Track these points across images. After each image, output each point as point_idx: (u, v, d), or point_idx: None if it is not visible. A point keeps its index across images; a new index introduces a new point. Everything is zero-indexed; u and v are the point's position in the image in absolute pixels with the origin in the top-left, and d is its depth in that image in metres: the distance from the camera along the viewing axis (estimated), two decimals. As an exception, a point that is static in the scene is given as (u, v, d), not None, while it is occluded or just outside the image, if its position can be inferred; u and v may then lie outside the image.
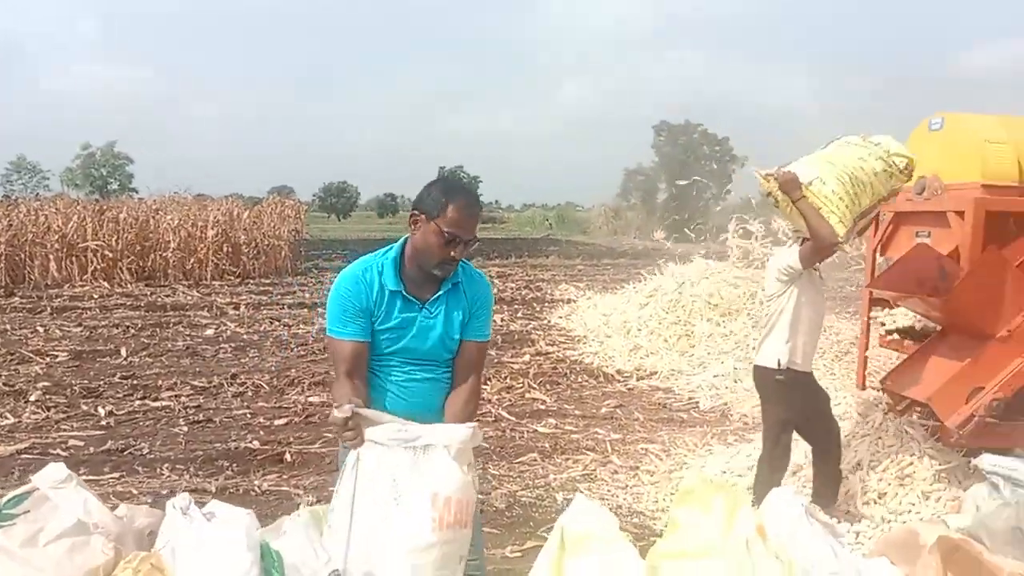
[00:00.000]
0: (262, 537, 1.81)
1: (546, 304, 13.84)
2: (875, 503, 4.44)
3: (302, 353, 9.54)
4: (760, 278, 10.13)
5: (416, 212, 2.45)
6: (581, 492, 4.91)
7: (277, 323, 11.85)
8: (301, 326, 11.63)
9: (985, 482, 3.29)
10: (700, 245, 21.11)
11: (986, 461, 3.27)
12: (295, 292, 16.28)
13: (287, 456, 5.59)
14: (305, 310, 13.37)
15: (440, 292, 2.52)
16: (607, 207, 47.41)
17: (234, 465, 5.37)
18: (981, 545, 2.48)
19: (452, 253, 2.41)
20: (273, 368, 8.53)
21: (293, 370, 8.34)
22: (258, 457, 5.56)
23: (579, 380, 8.04)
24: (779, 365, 4.00)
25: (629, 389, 7.71)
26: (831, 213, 3.85)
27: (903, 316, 5.38)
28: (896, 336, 5.43)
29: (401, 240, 2.57)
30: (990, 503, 3.01)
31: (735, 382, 7.62)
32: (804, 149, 4.32)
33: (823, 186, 3.90)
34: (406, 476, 1.98)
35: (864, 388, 5.80)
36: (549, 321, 11.83)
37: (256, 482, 5.06)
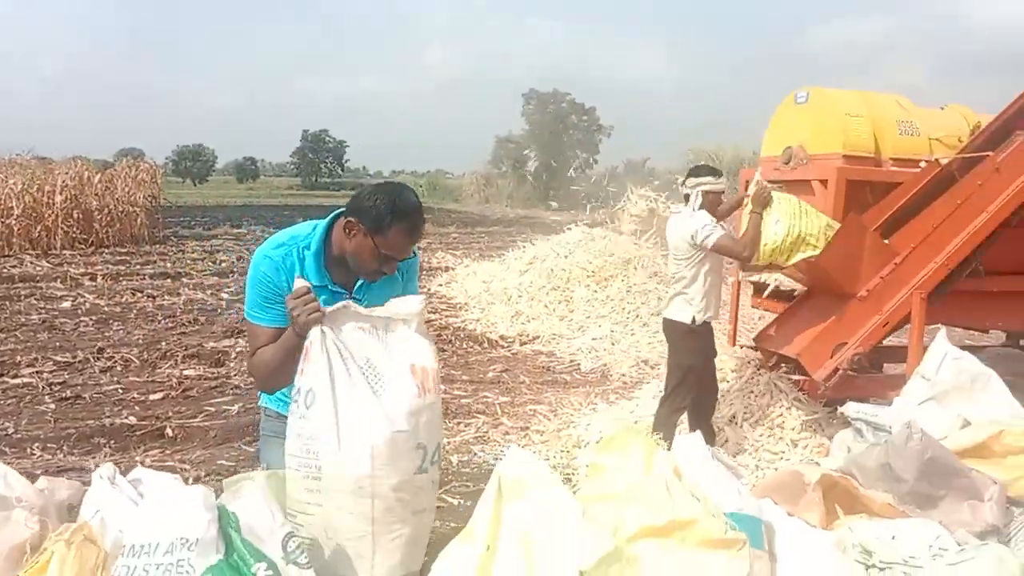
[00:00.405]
0: (221, 499, 1.79)
1: (424, 272, 13.83)
2: (749, 452, 4.79)
3: (170, 325, 9.16)
4: (634, 244, 10.56)
5: (353, 220, 2.21)
6: (477, 452, 5.06)
7: (140, 294, 11.28)
8: (167, 297, 11.15)
9: (850, 428, 3.64)
10: (570, 213, 21.65)
11: (850, 409, 3.60)
12: (155, 261, 15.51)
13: (168, 431, 5.40)
14: (169, 280, 12.80)
15: (369, 286, 2.36)
16: (478, 175, 47.48)
17: (112, 442, 5.14)
18: (856, 481, 2.74)
19: (384, 269, 2.26)
20: (141, 341, 8.15)
21: (163, 343, 8.01)
22: (137, 433, 5.34)
23: (464, 346, 8.15)
24: (693, 322, 4.50)
25: (513, 354, 7.88)
26: (765, 243, 4.48)
27: (772, 278, 5.78)
28: (766, 296, 5.85)
29: (324, 225, 2.32)
30: (858, 445, 3.34)
31: (612, 344, 7.95)
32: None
33: (776, 224, 4.50)
34: (379, 353, 2.00)
35: (735, 345, 6.20)
36: (429, 289, 11.85)
37: (138, 459, 4.87)
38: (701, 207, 4.50)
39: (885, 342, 5.00)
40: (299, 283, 2.07)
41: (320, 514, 1.98)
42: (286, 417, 2.33)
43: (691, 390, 4.60)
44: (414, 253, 2.48)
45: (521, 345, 8.22)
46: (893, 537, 2.34)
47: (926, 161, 5.39)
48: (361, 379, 1.97)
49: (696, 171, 4.67)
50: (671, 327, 4.66)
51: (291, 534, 1.83)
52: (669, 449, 2.23)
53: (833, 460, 3.30)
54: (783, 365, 5.31)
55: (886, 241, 4.81)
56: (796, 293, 5.58)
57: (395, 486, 1.96)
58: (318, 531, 1.99)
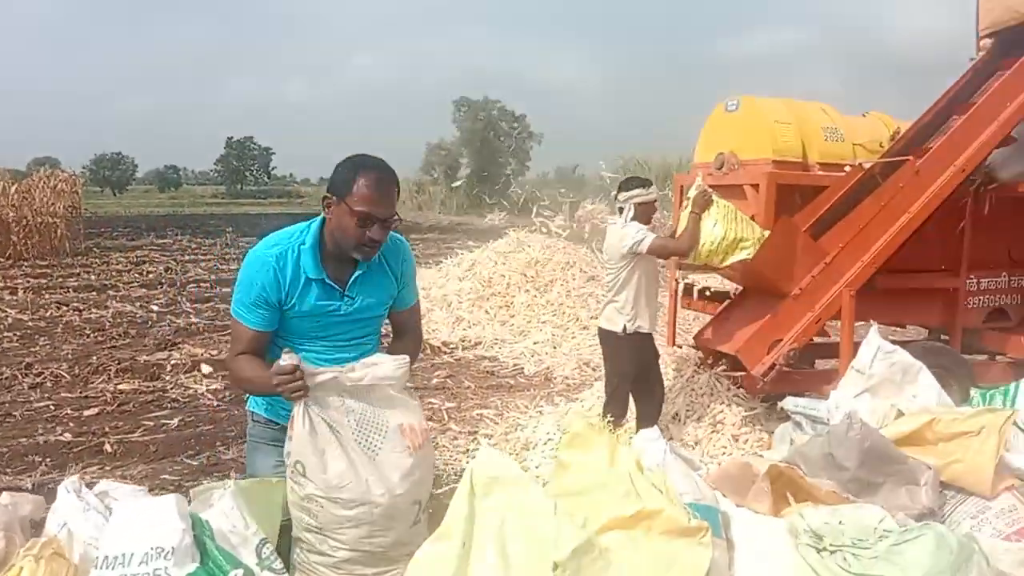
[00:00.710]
0: (191, 508, 1.78)
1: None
2: (692, 449, 4.92)
3: (100, 339, 8.86)
4: (571, 249, 10.71)
5: (328, 195, 2.26)
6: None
7: (65, 308, 10.87)
8: (94, 310, 10.78)
9: (789, 422, 3.80)
10: (503, 219, 21.77)
11: (789, 403, 3.77)
12: (79, 274, 14.97)
13: (107, 447, 5.24)
14: (95, 293, 12.38)
15: (358, 272, 2.36)
16: (410, 181, 47.19)
17: (48, 460, 4.95)
18: (800, 471, 2.87)
19: (369, 235, 2.23)
20: (70, 356, 7.87)
21: (94, 357, 7.74)
22: (74, 450, 5.17)
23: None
24: (624, 331, 4.56)
25: (457, 360, 7.90)
26: (703, 244, 4.66)
27: (707, 279, 5.97)
28: (699, 297, 6.03)
29: (318, 220, 2.34)
30: (800, 438, 3.48)
31: (554, 348, 8.05)
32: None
33: (714, 227, 4.69)
34: (368, 418, 2.07)
35: (674, 345, 6.36)
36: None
37: (76, 475, 4.70)
38: (634, 218, 4.59)
39: (816, 339, 5.22)
40: (287, 358, 2.08)
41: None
42: (275, 423, 2.38)
43: (626, 398, 4.70)
44: (405, 255, 2.50)
45: (464, 351, 8.25)
46: (840, 522, 2.47)
47: (851, 165, 5.65)
48: (355, 446, 2.05)
49: (627, 184, 4.76)
50: (604, 336, 4.74)
51: (264, 540, 1.85)
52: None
53: (776, 453, 3.43)
54: (722, 363, 5.49)
55: (816, 241, 5.02)
56: (732, 293, 5.78)
57: (392, 543, 2.07)
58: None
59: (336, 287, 2.33)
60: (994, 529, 2.65)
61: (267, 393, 2.22)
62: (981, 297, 5.52)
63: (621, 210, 4.68)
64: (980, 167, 4.97)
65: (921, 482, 2.77)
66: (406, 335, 2.60)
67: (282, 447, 2.28)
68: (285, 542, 2.13)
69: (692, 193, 4.73)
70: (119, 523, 1.74)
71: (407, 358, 2.20)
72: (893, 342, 3.67)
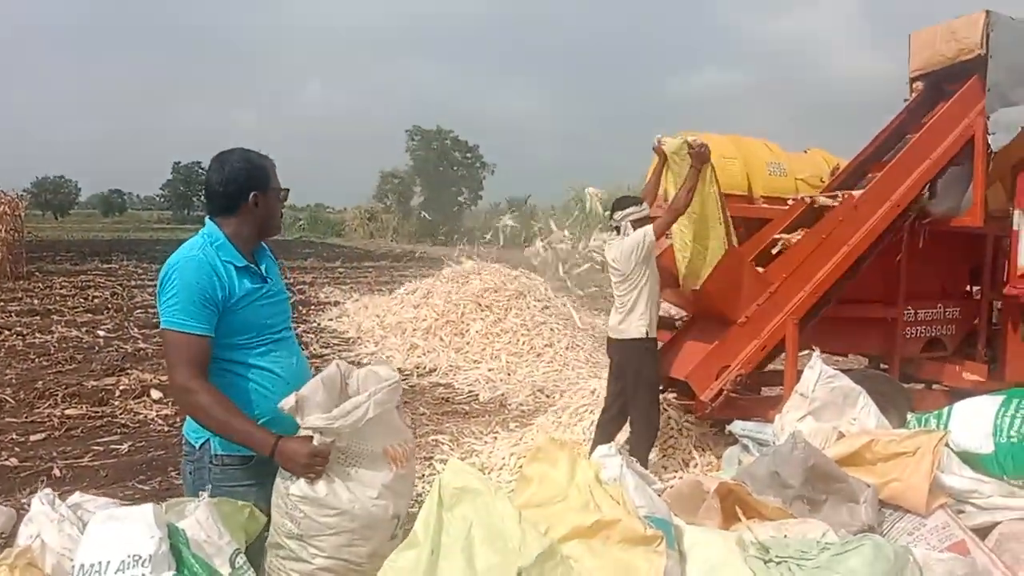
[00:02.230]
0: (167, 517, 1.82)
1: (312, 307, 13.64)
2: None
3: (45, 364, 8.69)
4: (525, 278, 10.85)
5: (255, 193, 2.41)
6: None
7: (7, 332, 10.62)
8: (38, 335, 10.54)
9: (737, 445, 3.94)
10: (455, 248, 21.87)
11: (737, 427, 3.92)
12: (21, 298, 14.61)
13: (55, 472, 5.15)
14: (38, 317, 12.10)
15: (262, 262, 2.52)
16: (362, 209, 47.05)
17: (-7, 484, 4.86)
18: (748, 489, 3.00)
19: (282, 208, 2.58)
20: (15, 381, 7.70)
21: (40, 382, 7.59)
22: (21, 474, 5.08)
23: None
24: (647, 336, 4.73)
25: (411, 386, 7.93)
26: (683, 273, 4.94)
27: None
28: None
29: (209, 231, 2.42)
30: (747, 460, 3.62)
31: (508, 375, 8.14)
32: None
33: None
34: (355, 444, 2.17)
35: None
36: (319, 324, 11.71)
37: (24, 500, 4.62)
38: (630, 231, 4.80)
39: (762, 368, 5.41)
40: (319, 439, 2.14)
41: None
42: (249, 458, 2.32)
43: (659, 408, 4.85)
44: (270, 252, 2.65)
45: (419, 377, 8.28)
46: (785, 536, 2.61)
47: (793, 199, 5.91)
48: (340, 460, 2.16)
49: (621, 203, 4.96)
50: (629, 347, 4.80)
51: (238, 550, 1.89)
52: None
53: (725, 475, 3.56)
54: (672, 388, 5.64)
55: (761, 271, 5.22)
56: (678, 321, 5.95)
57: (369, 554, 2.13)
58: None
59: (257, 271, 2.46)
60: (928, 545, 2.80)
61: (256, 451, 2.23)
62: (918, 327, 5.77)
63: (617, 229, 4.86)
64: (914, 202, 5.24)
65: (861, 500, 2.93)
66: None
67: (255, 485, 2.31)
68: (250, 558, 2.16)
69: (673, 148, 4.89)
70: (95, 532, 1.77)
71: (396, 376, 2.31)
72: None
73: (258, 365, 2.37)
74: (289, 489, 2.12)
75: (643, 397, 4.81)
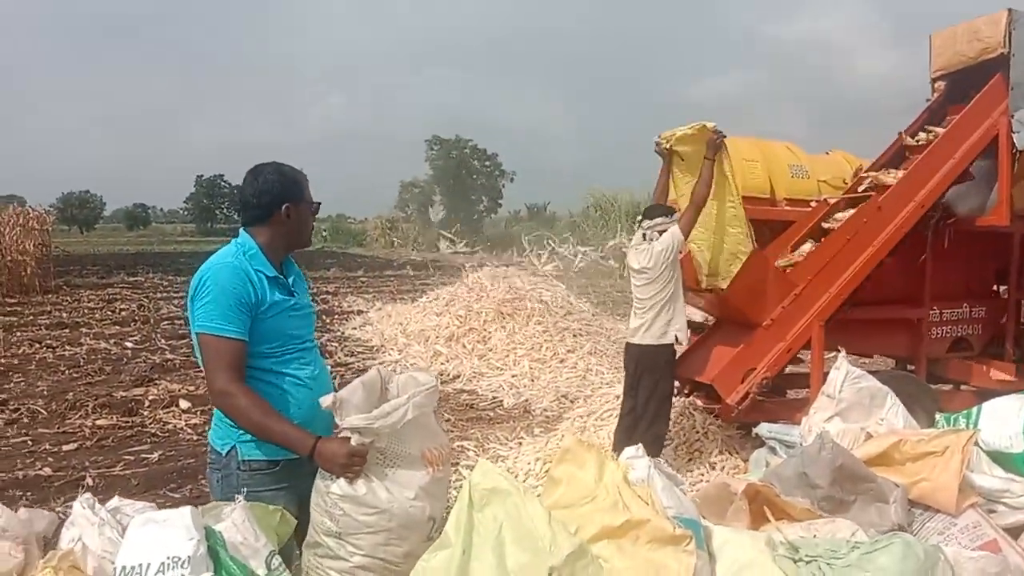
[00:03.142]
0: (204, 520, 1.86)
1: (336, 316, 13.72)
2: (670, 476, 5.03)
3: (76, 375, 8.83)
4: (548, 285, 10.88)
5: (288, 204, 2.48)
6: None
7: (38, 345, 10.79)
8: (67, 347, 10.70)
9: (764, 447, 3.93)
10: (476, 256, 21.96)
11: (763, 429, 3.91)
12: (50, 311, 14.82)
13: (88, 480, 5.24)
14: (67, 330, 12.27)
15: (291, 273, 2.57)
16: (383, 219, 47.25)
17: (29, 493, 4.96)
18: (775, 490, 3.00)
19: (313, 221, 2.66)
20: (46, 393, 7.83)
21: (70, 393, 7.72)
22: (55, 484, 5.17)
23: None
24: (677, 341, 4.75)
25: (435, 393, 7.95)
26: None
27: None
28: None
29: (243, 239, 2.49)
30: (775, 461, 3.61)
31: (532, 381, 8.15)
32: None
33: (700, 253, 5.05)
34: (393, 446, 2.21)
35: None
36: (343, 333, 11.78)
37: (58, 508, 4.71)
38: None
39: (787, 370, 5.39)
40: (357, 439, 2.17)
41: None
42: (275, 463, 2.38)
43: (668, 417, 4.83)
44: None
45: (442, 384, 8.31)
46: (814, 535, 2.60)
47: (816, 201, 5.89)
48: (379, 461, 2.19)
49: (650, 212, 4.97)
50: (651, 353, 4.79)
51: (273, 552, 1.93)
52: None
53: (752, 477, 3.55)
54: (698, 393, 5.63)
55: (786, 274, 5.21)
56: (705, 326, 5.95)
57: (404, 555, 2.15)
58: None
59: (287, 283, 2.52)
60: (959, 544, 2.78)
61: (293, 451, 2.27)
62: (944, 328, 5.73)
63: (645, 235, 4.86)
64: (938, 203, 5.21)
65: (890, 500, 2.91)
66: None
67: (283, 489, 2.37)
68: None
69: (683, 130, 4.91)
70: (135, 535, 1.81)
71: (434, 380, 2.37)
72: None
73: (284, 372, 2.43)
74: (329, 488, 2.16)
75: (653, 408, 4.79)
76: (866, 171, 5.84)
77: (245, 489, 2.22)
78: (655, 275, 4.76)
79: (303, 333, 2.53)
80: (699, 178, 4.80)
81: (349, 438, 2.18)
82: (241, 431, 2.36)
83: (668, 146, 5.12)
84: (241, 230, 2.52)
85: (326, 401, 2.20)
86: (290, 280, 2.56)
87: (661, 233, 4.79)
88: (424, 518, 2.17)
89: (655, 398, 4.79)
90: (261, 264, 2.43)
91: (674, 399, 5.57)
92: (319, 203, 2.63)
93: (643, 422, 4.77)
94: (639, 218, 5.16)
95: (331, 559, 2.14)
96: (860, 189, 5.56)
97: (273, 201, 2.47)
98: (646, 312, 4.81)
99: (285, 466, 2.39)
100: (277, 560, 1.90)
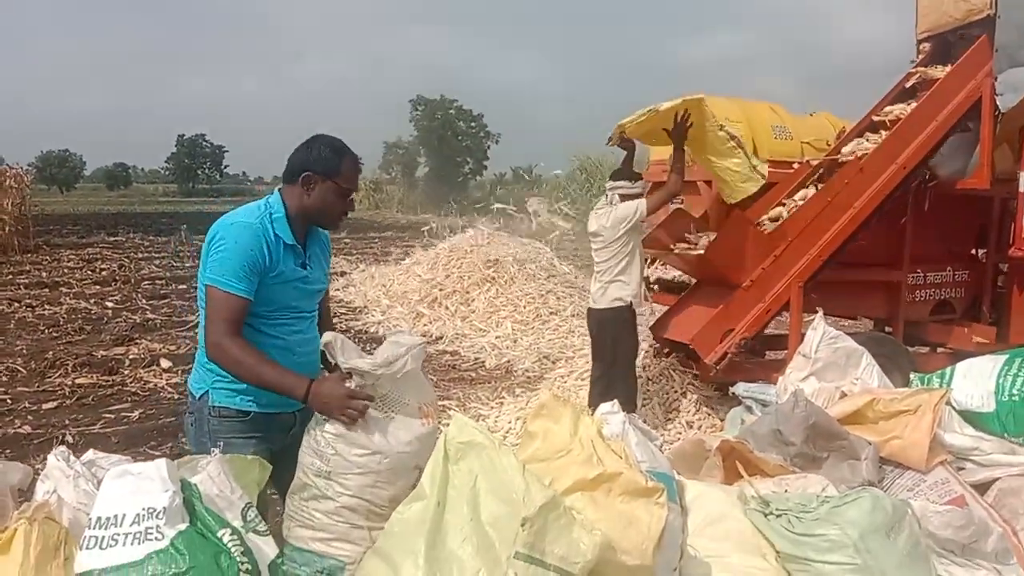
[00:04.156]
0: (180, 472, 1.87)
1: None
2: (648, 434, 5.09)
3: (55, 334, 8.78)
4: (530, 247, 10.88)
5: (309, 173, 2.41)
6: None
7: (17, 304, 10.69)
8: (47, 307, 10.62)
9: (740, 406, 3.98)
10: (462, 218, 21.88)
11: (740, 388, 3.95)
12: (29, 271, 14.71)
13: (68, 438, 5.24)
14: (47, 290, 12.19)
15: (310, 246, 2.52)
16: (367, 180, 46.80)
17: (7, 451, 4.97)
18: (750, 446, 3.04)
19: (347, 208, 2.50)
20: (25, 351, 7.79)
21: (50, 352, 7.67)
22: (35, 441, 5.17)
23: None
24: (631, 306, 4.69)
25: (418, 353, 7.97)
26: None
27: (663, 271, 6.16)
28: (657, 289, 6.23)
29: (274, 199, 2.47)
30: (751, 419, 3.66)
31: (514, 342, 8.19)
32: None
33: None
34: (391, 395, 2.24)
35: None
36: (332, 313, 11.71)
37: (38, 466, 4.69)
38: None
39: (766, 331, 5.43)
40: (357, 382, 2.17)
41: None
42: (244, 413, 2.41)
43: (635, 381, 4.83)
44: (329, 241, 2.70)
45: (425, 345, 8.33)
46: (786, 490, 2.65)
47: (798, 163, 5.89)
48: (376, 410, 2.21)
49: (615, 174, 4.94)
50: (607, 316, 4.78)
51: (249, 504, 1.94)
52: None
53: (728, 434, 3.61)
54: (676, 352, 5.68)
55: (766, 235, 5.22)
56: (684, 286, 5.97)
57: (390, 499, 2.16)
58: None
59: (302, 255, 2.49)
60: (928, 500, 2.85)
61: (289, 395, 2.26)
62: (927, 290, 5.78)
63: (607, 197, 4.84)
64: (921, 165, 5.22)
65: (862, 456, 2.96)
66: (325, 314, 2.77)
67: (254, 438, 2.40)
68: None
69: (632, 120, 4.84)
70: (110, 486, 1.81)
71: (422, 340, 2.41)
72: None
73: (270, 334, 2.43)
74: (324, 428, 2.18)
75: (621, 370, 4.78)
76: (848, 133, 5.84)
77: (221, 443, 2.24)
78: (609, 239, 4.72)
79: (301, 304, 2.52)
80: (671, 168, 4.78)
81: (345, 377, 2.18)
82: (216, 378, 2.38)
83: (622, 134, 5.03)
84: (276, 189, 2.51)
85: (327, 337, 2.19)
86: (308, 252, 2.52)
87: (622, 197, 4.74)
88: (412, 465, 2.19)
89: (619, 361, 4.78)
90: (282, 229, 2.42)
91: (653, 360, 5.63)
92: (352, 190, 2.49)
93: (612, 385, 4.73)
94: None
95: (317, 500, 2.18)
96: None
97: (297, 166, 2.43)
98: (602, 275, 4.79)
99: (256, 417, 2.42)
100: (253, 512, 1.91)
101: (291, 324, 2.47)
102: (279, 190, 2.49)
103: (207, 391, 2.43)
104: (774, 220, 5.39)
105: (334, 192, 2.43)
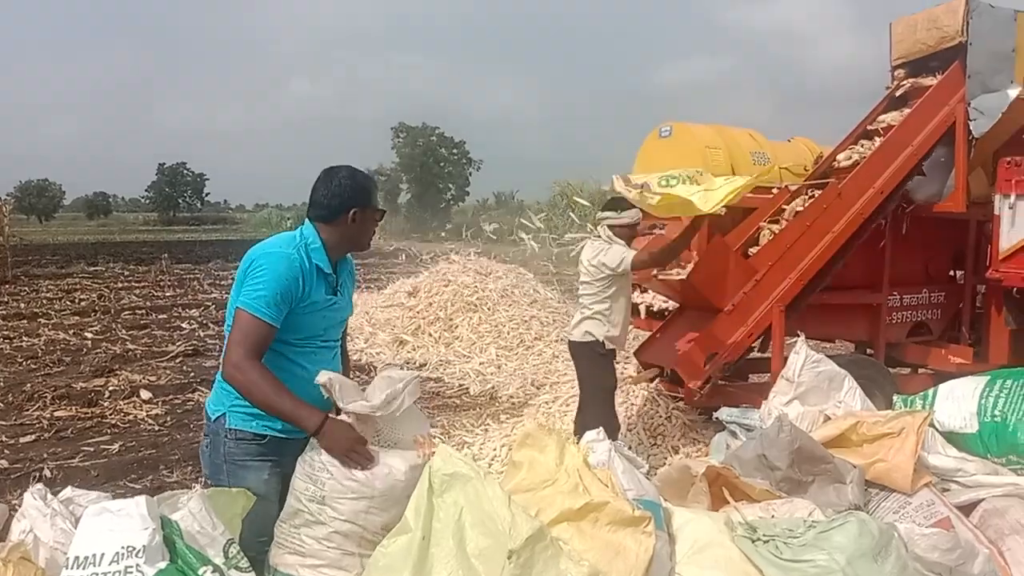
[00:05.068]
0: (160, 509, 1.83)
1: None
2: (634, 460, 5.08)
3: (33, 366, 8.63)
4: (514, 273, 10.89)
5: (355, 208, 2.53)
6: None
7: (-7, 336, 10.54)
8: (25, 338, 10.46)
9: (724, 431, 3.98)
10: (444, 245, 21.91)
11: (724, 413, 3.96)
12: (7, 302, 14.48)
13: (47, 472, 5.14)
14: (25, 321, 12.01)
15: (341, 274, 2.63)
16: (349, 208, 46.70)
17: (-16, 486, 4.85)
18: (736, 472, 3.04)
19: (376, 227, 2.67)
20: (3, 384, 7.65)
21: (28, 384, 7.55)
22: (12, 476, 5.06)
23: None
24: (603, 345, 4.51)
25: (401, 381, 7.92)
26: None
27: (648, 297, 6.18)
28: (643, 317, 6.25)
29: (308, 231, 2.55)
30: (735, 444, 3.66)
31: (498, 368, 8.15)
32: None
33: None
34: (387, 431, 2.36)
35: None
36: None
37: (15, 501, 4.61)
38: (616, 236, 4.60)
39: (750, 356, 5.45)
40: (356, 424, 2.30)
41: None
42: (262, 437, 2.43)
43: (614, 412, 4.65)
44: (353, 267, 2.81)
45: (420, 379, 8.28)
46: (773, 515, 2.65)
47: (777, 188, 5.95)
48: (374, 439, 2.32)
49: (605, 206, 4.79)
50: (580, 349, 4.64)
51: (231, 541, 1.91)
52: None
53: (713, 460, 3.60)
54: (661, 378, 5.68)
55: (747, 260, 5.26)
56: (667, 312, 5.99)
57: (382, 526, 2.19)
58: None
59: (334, 282, 2.57)
60: (914, 522, 2.85)
61: (299, 426, 2.32)
62: (904, 312, 5.84)
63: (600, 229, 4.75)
64: (897, 189, 5.29)
65: (847, 480, 2.97)
66: (343, 347, 2.88)
67: (269, 461, 2.42)
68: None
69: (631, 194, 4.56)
70: (89, 524, 1.78)
71: (415, 374, 2.52)
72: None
73: (295, 361, 2.48)
74: (321, 454, 2.25)
75: (592, 408, 4.60)
76: (826, 159, 5.91)
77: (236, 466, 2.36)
78: (593, 276, 4.58)
79: (329, 333, 2.60)
80: (672, 243, 4.61)
81: (352, 425, 2.29)
82: (235, 400, 2.41)
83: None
84: (307, 220, 2.57)
85: (323, 378, 2.28)
86: (339, 280, 2.62)
87: (611, 228, 4.60)
88: (405, 496, 2.23)
89: (589, 391, 4.64)
90: (320, 259, 2.50)
91: (637, 386, 5.63)
92: (384, 211, 2.68)
93: (587, 414, 4.59)
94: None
95: (309, 526, 2.21)
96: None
97: (343, 204, 2.53)
98: (582, 308, 4.67)
99: (272, 441, 2.44)
100: (235, 548, 1.88)
101: (317, 353, 2.53)
102: (311, 223, 2.56)
103: (224, 413, 2.46)
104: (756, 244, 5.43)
105: (372, 219, 2.61)
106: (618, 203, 4.67)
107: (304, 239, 2.51)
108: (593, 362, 4.59)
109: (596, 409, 4.55)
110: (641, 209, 4.61)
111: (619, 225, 4.62)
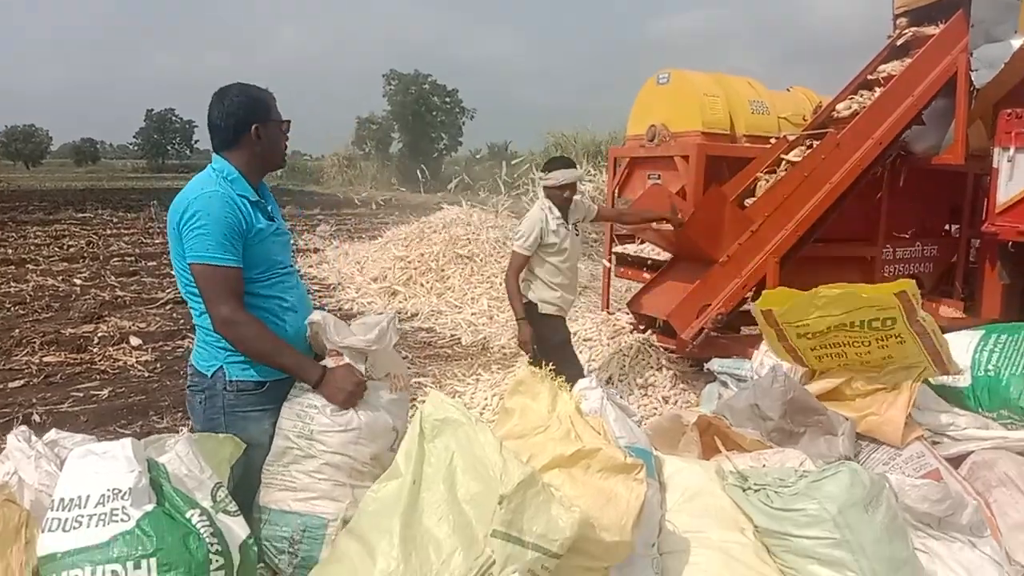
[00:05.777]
0: (147, 452, 1.81)
1: (293, 252, 13.48)
2: (624, 410, 5.09)
3: (22, 312, 8.57)
4: (506, 224, 10.82)
5: (256, 125, 2.41)
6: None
7: (-20, 282, 10.45)
8: (13, 284, 10.38)
9: (716, 382, 3.98)
10: (436, 195, 21.74)
11: (715, 364, 3.95)
12: (-7, 248, 14.36)
13: (35, 418, 5.12)
14: (12, 267, 11.90)
15: (264, 195, 2.53)
16: (340, 156, 46.19)
17: (-28, 431, 4.82)
18: (727, 421, 3.03)
19: (286, 140, 2.58)
20: (-9, 329, 7.60)
21: (16, 330, 7.50)
22: (0, 421, 5.04)
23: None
24: (539, 308, 4.45)
25: (393, 330, 7.90)
26: None
27: (640, 248, 6.14)
28: (631, 265, 6.21)
29: (221, 166, 2.41)
30: (727, 395, 3.65)
31: (490, 319, 8.13)
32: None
33: None
34: (375, 368, 2.41)
35: (608, 311, 6.53)
36: (300, 271, 11.60)
37: (2, 446, 4.59)
38: (547, 198, 4.48)
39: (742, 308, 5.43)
40: (349, 358, 2.35)
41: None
42: (262, 384, 2.39)
43: (574, 359, 4.57)
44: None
45: (400, 323, 8.25)
46: (764, 465, 2.64)
47: (775, 138, 5.88)
48: None
49: (544, 166, 4.65)
50: (529, 310, 4.49)
51: (219, 484, 1.89)
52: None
53: (704, 410, 3.60)
54: (655, 327, 5.66)
55: (743, 210, 5.21)
56: (662, 261, 5.95)
57: (370, 457, 2.26)
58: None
59: (267, 208, 2.48)
60: (904, 474, 2.86)
61: (301, 378, 2.34)
62: (896, 266, 5.82)
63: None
64: (896, 140, 5.22)
65: (839, 432, 2.97)
66: None
67: (268, 410, 2.38)
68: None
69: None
70: (74, 466, 1.75)
71: (394, 312, 2.50)
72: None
73: (271, 296, 2.43)
74: (306, 394, 2.29)
75: (556, 359, 4.15)
76: (825, 109, 5.83)
77: (221, 416, 2.34)
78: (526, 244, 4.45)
79: (284, 259, 2.53)
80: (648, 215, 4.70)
81: (353, 367, 2.31)
82: (229, 352, 2.35)
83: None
84: (215, 156, 2.45)
85: (315, 316, 2.32)
86: (268, 206, 2.52)
87: (544, 189, 4.45)
88: (389, 427, 2.29)
89: (543, 351, 4.39)
90: (243, 189, 2.39)
91: (629, 335, 5.62)
92: (288, 121, 2.54)
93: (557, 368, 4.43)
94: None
95: (299, 462, 2.24)
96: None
97: (240, 123, 2.41)
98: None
99: (272, 386, 2.40)
100: (223, 492, 1.86)
101: (284, 280, 2.48)
102: (218, 155, 2.44)
103: (221, 367, 2.38)
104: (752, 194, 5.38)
105: (278, 131, 2.50)
106: (552, 163, 4.54)
107: (220, 173, 2.38)
108: (536, 322, 4.45)
109: (566, 361, 4.40)
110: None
111: (547, 187, 4.48)
